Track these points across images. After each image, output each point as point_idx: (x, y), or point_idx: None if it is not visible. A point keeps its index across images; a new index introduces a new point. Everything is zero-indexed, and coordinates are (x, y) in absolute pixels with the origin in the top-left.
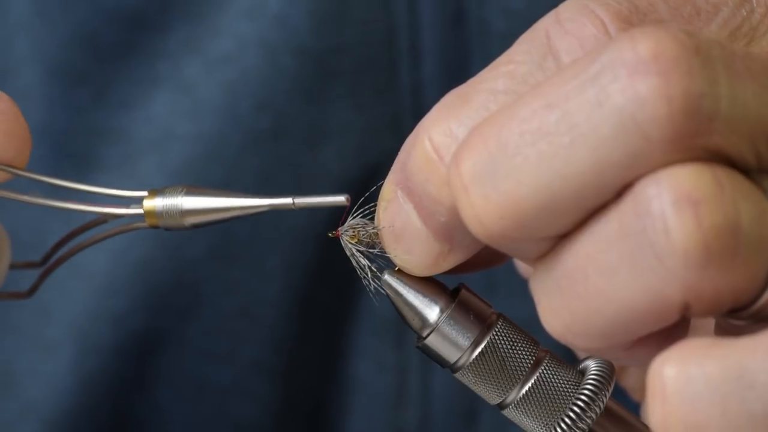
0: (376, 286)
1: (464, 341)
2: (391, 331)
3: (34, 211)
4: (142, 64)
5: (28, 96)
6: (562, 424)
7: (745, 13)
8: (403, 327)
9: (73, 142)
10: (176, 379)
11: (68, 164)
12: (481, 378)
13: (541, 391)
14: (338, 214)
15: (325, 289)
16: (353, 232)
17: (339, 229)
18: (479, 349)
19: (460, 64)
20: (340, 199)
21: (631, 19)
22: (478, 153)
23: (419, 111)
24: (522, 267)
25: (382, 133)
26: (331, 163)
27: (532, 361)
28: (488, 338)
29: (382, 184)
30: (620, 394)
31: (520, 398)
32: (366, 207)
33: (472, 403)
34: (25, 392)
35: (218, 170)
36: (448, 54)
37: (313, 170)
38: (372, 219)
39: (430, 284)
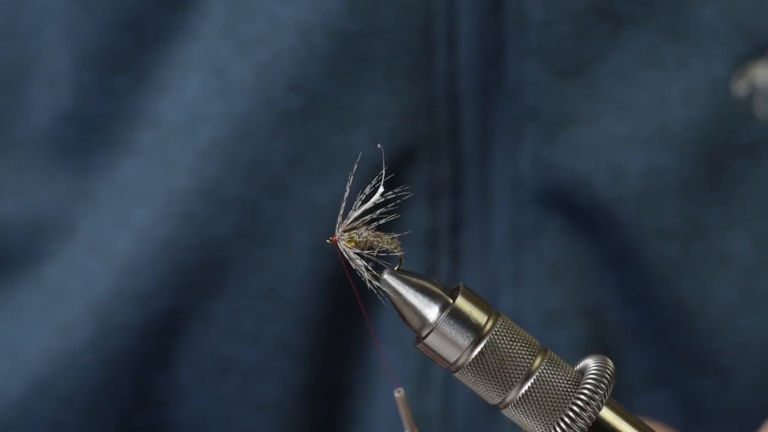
0: (375, 287)
1: (464, 341)
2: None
3: (58, 193)
4: (180, 48)
5: (55, 82)
6: (562, 424)
7: None
8: None
9: (107, 128)
10: (200, 359)
11: (100, 149)
12: (480, 377)
13: (540, 391)
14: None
15: (352, 271)
16: (349, 236)
17: (335, 234)
18: (478, 349)
19: (496, 53)
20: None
21: None
22: None
23: (453, 98)
24: None
25: (416, 119)
26: (363, 146)
27: (531, 361)
28: (487, 338)
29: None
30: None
31: (519, 398)
32: (394, 195)
33: None
34: (34, 370)
35: (248, 150)
36: (484, 42)
37: (344, 153)
38: (368, 222)
39: (429, 284)
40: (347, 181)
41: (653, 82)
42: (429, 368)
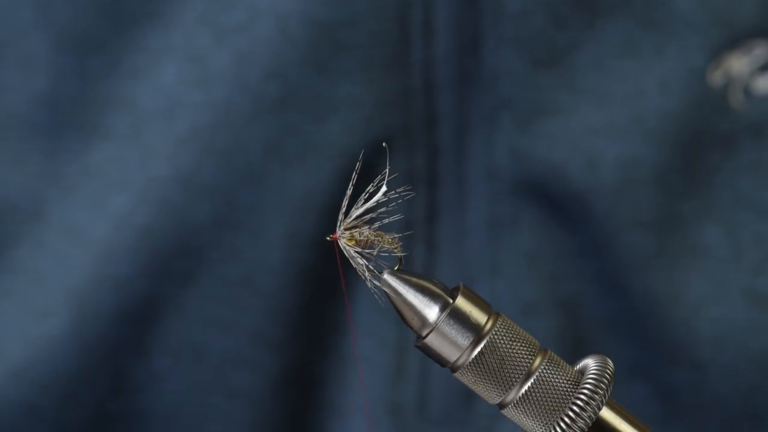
0: (374, 286)
1: (463, 341)
2: (392, 307)
3: (29, 176)
4: (156, 33)
5: (28, 65)
6: (562, 424)
7: None
8: None
9: (81, 112)
10: (175, 346)
11: (72, 134)
12: (480, 377)
13: (540, 391)
14: (341, 184)
15: (328, 260)
16: (350, 234)
17: (336, 232)
18: (478, 349)
19: (472, 42)
20: None
21: None
22: None
23: (429, 87)
24: None
25: (391, 109)
26: (339, 135)
27: (531, 361)
28: (487, 338)
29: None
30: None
31: (519, 398)
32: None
33: None
34: (12, 357)
35: (225, 138)
36: (460, 32)
37: (319, 142)
38: (368, 221)
39: (429, 283)
40: (351, 179)
41: (629, 72)
42: (405, 359)
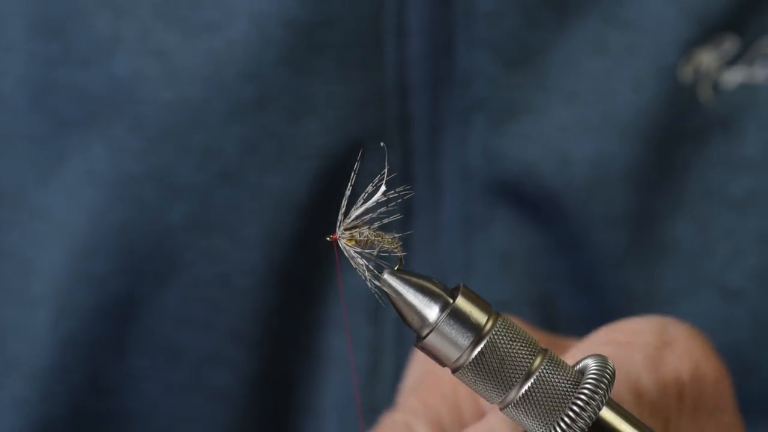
0: (374, 286)
1: (464, 341)
2: (367, 307)
3: (12, 162)
4: (108, 20)
5: (11, 49)
6: (562, 424)
7: None
8: (380, 304)
9: (43, 97)
10: (151, 346)
11: (45, 120)
12: (480, 377)
13: (540, 391)
14: (317, 184)
15: (304, 260)
16: (350, 234)
17: (336, 232)
18: (478, 349)
19: (446, 44)
20: None
21: None
22: None
23: (403, 88)
24: None
25: (365, 109)
26: (314, 136)
27: (531, 361)
28: (487, 338)
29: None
30: None
31: (519, 398)
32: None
33: None
34: (8, 346)
35: (201, 137)
36: (434, 33)
37: (296, 142)
38: (368, 222)
39: (429, 283)
40: (350, 180)
41: (601, 70)
42: (380, 359)
